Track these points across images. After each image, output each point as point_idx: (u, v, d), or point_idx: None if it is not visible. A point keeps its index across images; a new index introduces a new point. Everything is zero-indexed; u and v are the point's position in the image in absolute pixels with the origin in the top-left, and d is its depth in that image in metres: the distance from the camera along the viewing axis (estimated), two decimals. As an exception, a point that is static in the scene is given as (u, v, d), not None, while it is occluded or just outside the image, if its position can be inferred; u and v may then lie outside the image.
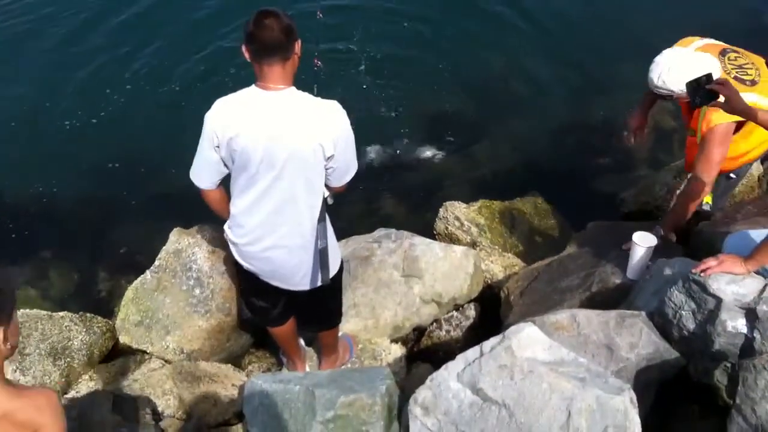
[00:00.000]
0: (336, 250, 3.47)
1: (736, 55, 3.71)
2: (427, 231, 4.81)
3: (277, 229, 3.16)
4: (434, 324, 4.33)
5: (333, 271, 3.34)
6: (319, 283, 3.31)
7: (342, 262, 3.57)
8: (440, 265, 4.30)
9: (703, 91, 2.97)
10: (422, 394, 2.70)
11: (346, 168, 3.14)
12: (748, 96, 3.36)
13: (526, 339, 2.60)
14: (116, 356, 4.26)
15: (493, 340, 2.65)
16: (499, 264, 4.63)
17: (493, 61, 6.46)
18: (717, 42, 3.79)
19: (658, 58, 3.61)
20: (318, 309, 3.62)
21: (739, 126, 3.64)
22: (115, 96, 6.26)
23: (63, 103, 6.15)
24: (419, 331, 4.36)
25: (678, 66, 3.52)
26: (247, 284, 3.54)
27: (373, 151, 5.53)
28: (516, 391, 2.52)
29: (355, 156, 3.17)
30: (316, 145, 2.94)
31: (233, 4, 7.15)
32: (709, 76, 3.00)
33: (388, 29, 6.92)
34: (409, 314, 4.24)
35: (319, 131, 2.94)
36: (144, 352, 4.07)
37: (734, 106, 2.95)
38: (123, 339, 4.08)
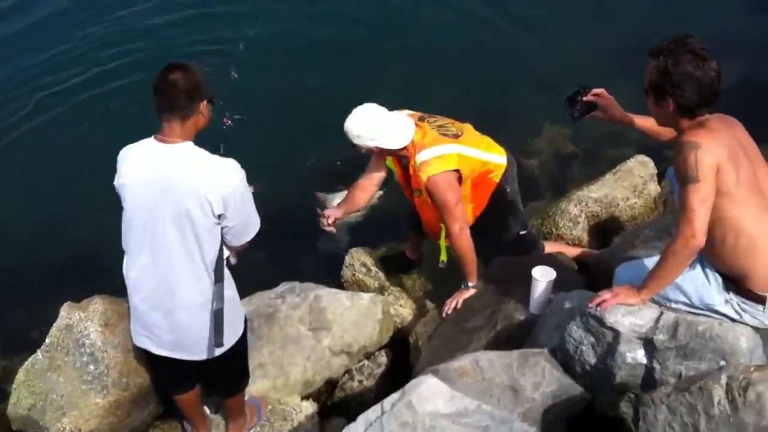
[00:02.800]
0: (239, 312, 3.36)
1: (434, 119, 4.06)
2: (334, 280, 4.72)
3: (174, 291, 3.05)
4: (346, 375, 4.23)
5: (232, 334, 3.22)
6: (226, 348, 3.20)
7: (246, 322, 3.44)
8: (348, 315, 4.21)
9: (580, 104, 3.01)
10: (325, 460, 2.58)
11: (244, 227, 3.05)
12: (453, 147, 3.85)
13: (427, 392, 2.53)
14: (10, 444, 3.98)
15: (393, 397, 2.57)
16: (408, 307, 4.58)
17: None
18: (415, 113, 4.12)
19: (347, 123, 3.94)
20: (223, 375, 3.47)
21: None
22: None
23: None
24: (331, 383, 4.24)
25: (372, 119, 3.89)
26: (145, 359, 3.39)
27: (274, 203, 5.43)
28: (419, 449, 2.43)
29: (254, 214, 3.09)
30: (203, 201, 2.86)
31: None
32: (584, 87, 3.05)
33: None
34: (320, 368, 4.12)
35: (206, 187, 2.86)
36: (39, 437, 3.81)
37: (614, 113, 3.03)
38: (15, 426, 3.82)
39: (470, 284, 4.05)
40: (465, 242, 3.94)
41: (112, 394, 3.77)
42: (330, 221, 4.31)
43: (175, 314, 3.11)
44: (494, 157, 4.12)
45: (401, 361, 4.24)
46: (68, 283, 4.48)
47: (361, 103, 4.02)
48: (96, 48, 7.27)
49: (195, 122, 2.94)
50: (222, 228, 2.98)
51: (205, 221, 2.91)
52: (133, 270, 3.08)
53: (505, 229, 4.32)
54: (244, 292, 4.27)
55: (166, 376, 3.56)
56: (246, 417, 3.78)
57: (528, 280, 3.67)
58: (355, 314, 4.22)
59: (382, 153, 4.07)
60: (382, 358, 4.25)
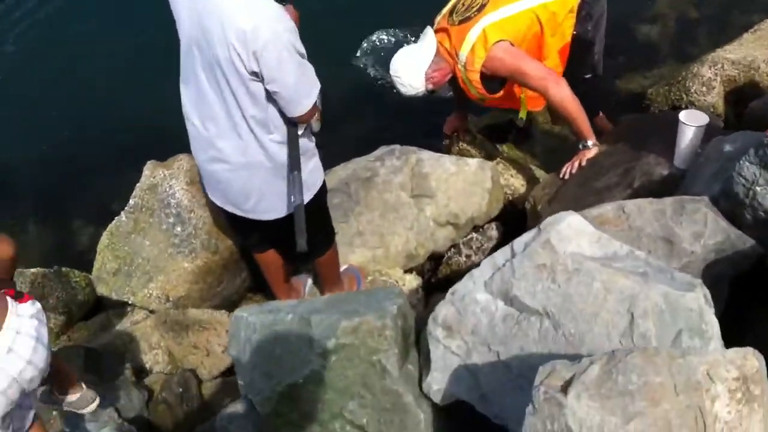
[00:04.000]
0: (314, 170, 2.90)
1: (462, 3, 3.53)
2: (436, 148, 4.26)
3: (215, 141, 2.65)
4: (452, 249, 3.81)
5: (291, 199, 2.78)
6: (281, 215, 2.82)
7: (323, 184, 3.01)
8: (453, 182, 3.77)
9: None
10: (443, 311, 2.18)
11: (292, 96, 2.50)
12: (478, 26, 3.38)
13: (568, 231, 2.07)
14: (99, 311, 3.79)
15: (525, 237, 2.12)
16: (521, 177, 4.09)
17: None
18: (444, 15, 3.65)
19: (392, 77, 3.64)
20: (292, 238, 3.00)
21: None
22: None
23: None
24: (436, 258, 3.84)
25: (405, 69, 3.55)
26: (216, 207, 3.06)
27: (368, 59, 4.95)
28: (560, 295, 1.99)
29: (304, 80, 2.51)
30: (231, 49, 2.36)
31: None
32: None
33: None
34: (423, 239, 3.72)
35: (234, 34, 2.34)
36: (126, 303, 3.59)
37: None
38: (100, 290, 3.63)
39: (589, 143, 3.48)
40: (566, 96, 3.36)
41: (201, 258, 3.50)
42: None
43: (216, 164, 2.75)
44: None
45: (514, 236, 3.78)
46: (152, 144, 4.19)
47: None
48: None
49: None
50: (267, 91, 2.50)
51: (235, 74, 2.43)
52: (184, 100, 2.70)
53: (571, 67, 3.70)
54: (338, 157, 3.97)
55: (236, 230, 3.24)
56: (343, 287, 3.43)
57: (666, 134, 3.12)
58: (461, 181, 3.78)
59: (439, 80, 3.62)
60: (493, 231, 3.81)
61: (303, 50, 2.46)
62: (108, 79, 5.05)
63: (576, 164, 3.47)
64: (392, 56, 3.70)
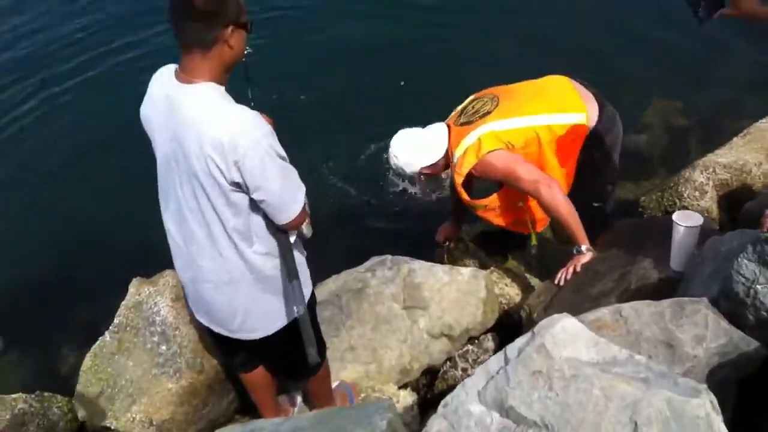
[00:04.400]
0: (305, 282, 2.75)
1: (473, 105, 3.64)
2: (427, 258, 4.20)
3: (196, 259, 2.56)
4: (448, 362, 3.67)
5: (280, 317, 2.71)
6: (269, 333, 2.70)
7: (312, 295, 2.87)
8: (447, 292, 3.69)
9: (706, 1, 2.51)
10: (435, 425, 2.05)
11: (278, 203, 2.39)
12: (480, 129, 3.44)
13: (563, 335, 1.98)
14: (82, 439, 3.60)
15: (519, 341, 2.02)
16: (515, 286, 4.01)
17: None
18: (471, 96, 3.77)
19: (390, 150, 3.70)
20: (284, 355, 2.88)
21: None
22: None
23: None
24: (431, 372, 3.70)
25: (407, 153, 3.62)
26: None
27: (355, 173, 4.99)
28: (558, 404, 1.87)
29: (289, 185, 2.41)
30: (209, 162, 2.28)
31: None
32: None
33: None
34: (417, 353, 3.60)
35: (210, 146, 2.26)
36: (108, 428, 3.41)
37: (749, 6, 2.47)
38: (82, 415, 3.44)
39: (584, 247, 3.41)
40: (558, 199, 3.32)
41: (186, 378, 3.36)
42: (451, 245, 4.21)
43: (198, 284, 2.64)
44: (555, 118, 3.52)
45: (510, 346, 3.67)
46: (139, 259, 4.13)
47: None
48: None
49: (219, 55, 2.30)
50: (252, 200, 2.41)
51: (215, 186, 2.33)
52: (165, 216, 2.62)
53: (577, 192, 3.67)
54: (328, 268, 3.90)
55: (221, 349, 3.11)
56: (335, 405, 3.28)
57: (661, 238, 3.07)
58: (454, 291, 3.70)
59: (430, 174, 3.74)
60: (489, 343, 3.69)
61: (284, 153, 2.39)
62: (92, 193, 5.07)
63: (570, 270, 3.40)
64: (386, 157, 3.83)
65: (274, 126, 2.45)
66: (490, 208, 3.72)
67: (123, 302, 3.56)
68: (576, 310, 2.89)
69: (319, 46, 6.35)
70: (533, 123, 3.49)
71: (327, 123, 5.51)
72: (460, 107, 3.77)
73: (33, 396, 3.60)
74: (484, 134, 3.45)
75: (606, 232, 3.65)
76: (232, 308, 2.63)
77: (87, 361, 3.51)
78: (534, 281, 4.06)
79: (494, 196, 3.68)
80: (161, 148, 2.45)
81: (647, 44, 6.32)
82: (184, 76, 2.33)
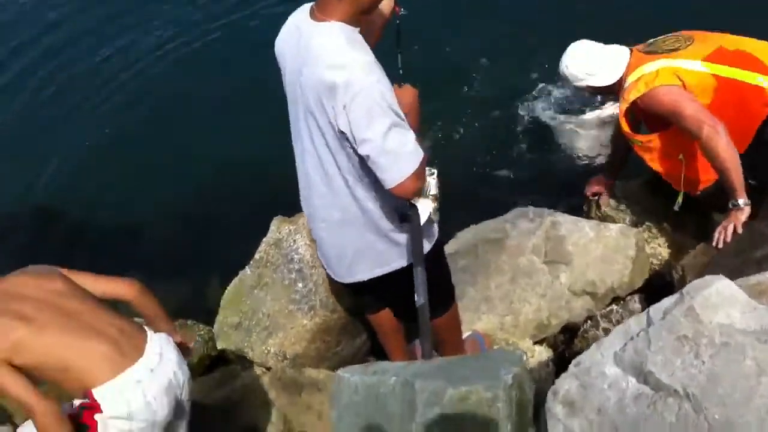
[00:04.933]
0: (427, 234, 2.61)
1: (670, 38, 3.45)
2: (575, 212, 3.99)
3: (312, 196, 2.53)
4: (589, 321, 3.48)
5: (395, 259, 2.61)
6: (383, 272, 2.61)
7: (437, 244, 2.75)
8: (592, 248, 3.50)
9: None
10: (565, 385, 1.93)
11: (382, 159, 2.23)
12: (661, 62, 3.29)
13: (716, 298, 1.77)
14: (220, 365, 3.75)
15: (665, 302, 1.84)
16: (670, 246, 3.72)
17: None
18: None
19: (560, 66, 3.60)
20: (408, 297, 2.71)
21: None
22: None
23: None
24: (570, 330, 3.53)
25: (580, 56, 3.52)
26: None
27: (494, 114, 4.81)
28: (704, 373, 1.68)
29: (398, 143, 2.23)
30: (323, 104, 2.23)
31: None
32: None
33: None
34: (556, 309, 3.44)
35: (324, 87, 2.20)
36: (245, 358, 3.53)
37: None
38: (220, 344, 3.58)
39: (740, 201, 3.11)
40: (721, 144, 3.06)
41: (320, 316, 3.39)
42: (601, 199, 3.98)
43: (313, 221, 2.63)
44: (744, 74, 3.22)
45: (659, 309, 3.42)
46: (280, 197, 4.18)
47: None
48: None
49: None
50: (359, 155, 2.30)
51: (329, 127, 2.26)
52: (295, 151, 2.61)
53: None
54: (467, 218, 3.83)
55: (346, 288, 3.04)
56: (465, 354, 3.19)
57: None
58: (601, 248, 3.50)
59: (596, 92, 3.68)
60: (635, 304, 3.46)
61: (399, 110, 2.25)
62: (237, 135, 5.17)
63: (730, 229, 3.09)
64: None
65: (416, 99, 2.41)
66: (649, 147, 3.46)
67: (264, 239, 3.62)
68: (737, 274, 2.64)
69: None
70: (719, 72, 3.26)
71: (474, 84, 5.31)
72: (655, 39, 3.57)
73: (176, 324, 3.75)
74: (663, 67, 3.28)
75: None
76: (342, 249, 2.59)
77: (228, 293, 3.64)
78: (692, 242, 3.74)
79: (656, 135, 3.42)
80: (289, 80, 2.43)
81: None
82: (317, 13, 2.29)
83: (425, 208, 2.42)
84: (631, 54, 3.49)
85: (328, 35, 2.24)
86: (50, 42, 6.67)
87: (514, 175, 4.57)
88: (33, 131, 5.76)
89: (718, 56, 3.30)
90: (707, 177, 3.40)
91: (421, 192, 2.38)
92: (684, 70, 3.26)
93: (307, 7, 2.41)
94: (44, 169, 5.40)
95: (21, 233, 5.04)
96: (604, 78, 3.49)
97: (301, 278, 3.43)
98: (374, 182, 2.37)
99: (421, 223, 2.45)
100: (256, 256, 3.61)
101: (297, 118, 2.46)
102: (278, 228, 3.61)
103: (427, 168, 2.44)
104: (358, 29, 2.30)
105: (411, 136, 2.28)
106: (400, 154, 2.24)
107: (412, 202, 2.42)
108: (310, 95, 2.27)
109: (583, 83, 3.55)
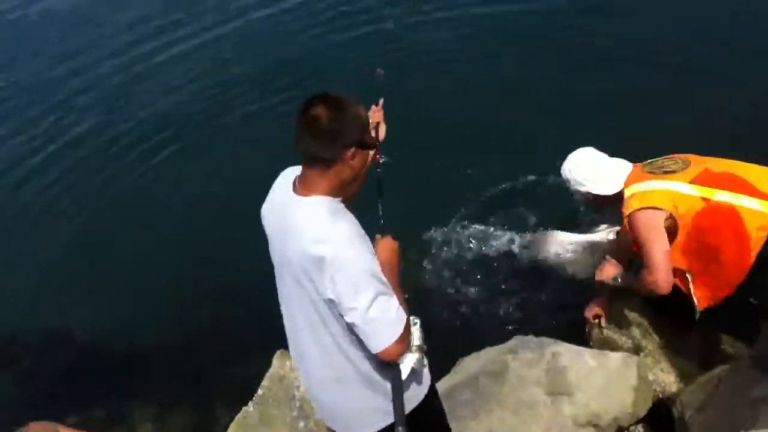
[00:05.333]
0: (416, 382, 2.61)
1: (663, 160, 3.59)
2: (574, 337, 4.00)
3: (304, 359, 2.57)
4: (595, 453, 3.45)
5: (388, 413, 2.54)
6: (387, 422, 2.57)
7: (429, 386, 2.71)
8: (594, 378, 3.50)
9: None
10: None
11: (367, 329, 2.30)
12: (659, 183, 3.39)
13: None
14: None
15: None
16: (672, 373, 3.71)
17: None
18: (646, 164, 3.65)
19: (563, 167, 3.75)
20: None
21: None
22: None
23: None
24: (576, 462, 3.49)
25: (585, 162, 3.65)
26: None
27: (497, 238, 4.85)
28: None
29: (383, 312, 2.29)
30: (308, 275, 2.32)
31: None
32: None
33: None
34: (561, 441, 3.41)
35: (308, 260, 2.29)
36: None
37: None
38: (225, 483, 3.56)
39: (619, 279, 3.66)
40: (656, 290, 3.36)
41: (321, 456, 3.37)
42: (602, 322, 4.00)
43: (308, 382, 2.66)
44: (742, 199, 3.30)
45: (664, 438, 3.41)
46: (281, 331, 4.26)
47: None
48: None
49: (338, 173, 2.33)
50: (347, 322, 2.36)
51: (318, 297, 2.34)
52: (283, 314, 2.67)
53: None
54: (469, 345, 3.82)
55: None
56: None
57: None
58: (603, 378, 3.50)
59: (597, 202, 3.73)
60: (639, 434, 3.44)
61: (384, 279, 2.33)
62: (247, 262, 5.23)
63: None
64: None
65: (397, 254, 2.48)
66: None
67: (267, 373, 3.65)
68: (733, 416, 2.64)
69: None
70: (707, 195, 3.35)
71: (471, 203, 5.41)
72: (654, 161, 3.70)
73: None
74: (658, 189, 3.40)
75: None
76: (339, 405, 2.60)
77: (232, 429, 3.63)
78: (693, 367, 3.74)
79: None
80: (276, 248, 2.51)
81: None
82: (301, 188, 2.39)
83: (408, 363, 2.45)
84: (632, 169, 3.60)
85: (311, 210, 2.33)
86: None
87: (516, 299, 4.59)
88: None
89: (705, 178, 3.38)
90: (719, 293, 3.42)
91: (405, 352, 2.43)
92: (677, 194, 3.35)
93: (289, 175, 2.51)
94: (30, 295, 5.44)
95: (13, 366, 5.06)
96: (605, 187, 3.60)
97: (302, 416, 3.45)
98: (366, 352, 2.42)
99: (404, 377, 2.47)
100: (259, 391, 3.63)
101: (285, 284, 2.52)
102: (281, 362, 3.65)
103: (414, 318, 2.49)
104: (340, 198, 2.40)
105: (394, 302, 2.34)
106: (383, 322, 2.30)
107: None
108: (297, 267, 2.35)
109: (584, 188, 3.66)
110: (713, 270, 3.38)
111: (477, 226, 5.08)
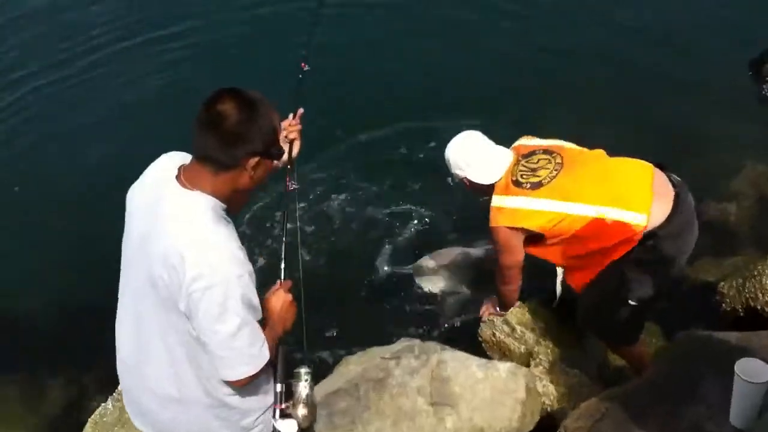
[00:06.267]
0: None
1: (539, 158, 3.47)
2: (469, 339, 3.83)
3: (142, 364, 2.23)
4: (475, 469, 3.30)
5: None
6: None
7: None
8: (480, 389, 3.34)
9: None
10: None
11: (229, 352, 2.04)
12: (519, 200, 3.35)
13: None
14: None
15: None
16: (562, 385, 3.57)
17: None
18: (531, 145, 3.61)
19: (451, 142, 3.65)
20: None
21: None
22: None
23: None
24: (456, 478, 3.33)
25: (469, 147, 3.57)
26: None
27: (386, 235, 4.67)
28: None
29: (250, 342, 2.05)
30: (168, 280, 2.01)
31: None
32: None
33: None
34: (441, 456, 3.24)
35: (173, 267, 1.98)
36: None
37: None
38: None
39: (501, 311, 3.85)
40: (504, 284, 3.69)
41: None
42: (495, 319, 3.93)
43: (139, 391, 2.33)
44: (606, 210, 3.23)
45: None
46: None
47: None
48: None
49: (233, 178, 2.06)
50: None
51: (174, 306, 2.03)
52: (119, 305, 2.32)
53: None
54: (353, 343, 3.77)
55: None
56: None
57: (726, 369, 2.57)
58: (488, 389, 3.35)
59: (473, 189, 3.63)
60: (524, 451, 3.30)
61: (257, 303, 2.07)
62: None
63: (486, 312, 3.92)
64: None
65: (292, 308, 2.26)
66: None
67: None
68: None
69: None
70: (573, 211, 3.29)
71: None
72: (530, 143, 3.64)
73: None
74: (517, 207, 3.36)
75: (668, 343, 3.19)
76: (175, 426, 2.29)
77: (87, 428, 3.36)
78: (584, 378, 3.61)
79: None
80: (135, 236, 2.17)
81: (747, 102, 5.68)
82: (185, 179, 2.08)
83: (290, 424, 2.20)
84: (510, 161, 3.50)
85: (191, 206, 2.04)
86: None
87: (406, 300, 4.42)
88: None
89: (570, 189, 3.31)
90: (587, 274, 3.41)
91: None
92: (542, 213, 3.30)
93: (168, 163, 2.18)
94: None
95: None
96: (484, 176, 3.51)
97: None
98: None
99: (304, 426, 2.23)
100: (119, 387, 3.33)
101: (135, 279, 2.18)
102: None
103: (302, 369, 2.25)
104: (226, 206, 2.11)
105: (260, 336, 2.09)
106: (244, 355, 2.06)
107: (278, 419, 2.22)
108: (155, 265, 2.03)
109: (462, 173, 3.57)
110: (584, 262, 3.38)
111: (380, 213, 4.93)
